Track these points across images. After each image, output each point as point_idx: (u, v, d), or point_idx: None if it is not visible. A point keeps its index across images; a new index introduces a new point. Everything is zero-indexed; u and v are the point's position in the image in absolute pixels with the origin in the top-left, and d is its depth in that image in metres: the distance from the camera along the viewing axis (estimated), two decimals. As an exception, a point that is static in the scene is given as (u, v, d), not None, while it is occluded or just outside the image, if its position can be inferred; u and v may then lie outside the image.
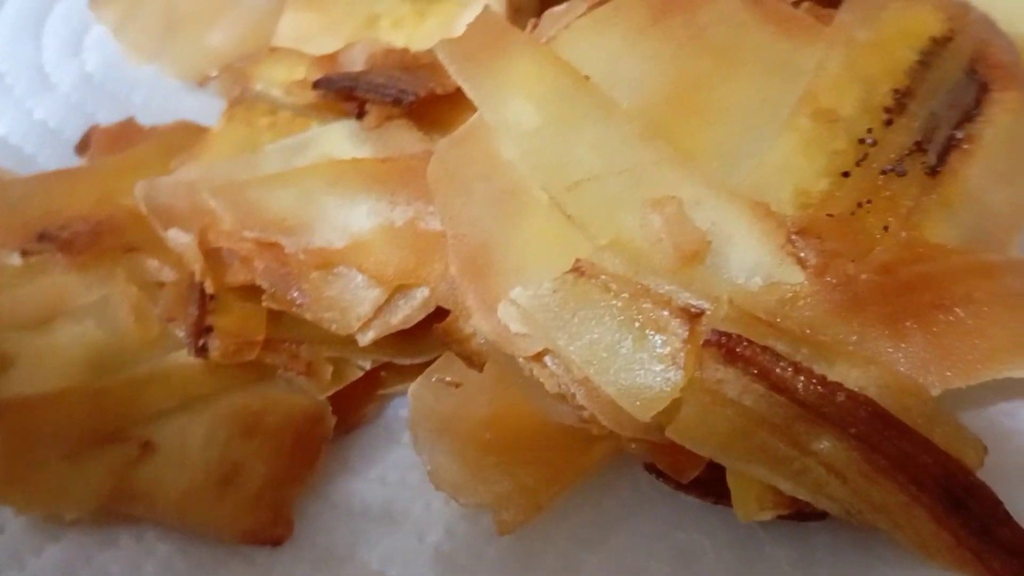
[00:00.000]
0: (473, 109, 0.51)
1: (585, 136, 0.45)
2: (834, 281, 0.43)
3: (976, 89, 0.49)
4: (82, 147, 0.61)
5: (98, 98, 0.64)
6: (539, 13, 0.53)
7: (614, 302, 0.42)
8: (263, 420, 0.49)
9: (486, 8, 0.48)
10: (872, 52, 0.48)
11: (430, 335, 0.49)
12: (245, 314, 0.49)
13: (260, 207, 0.49)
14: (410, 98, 0.50)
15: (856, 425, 0.40)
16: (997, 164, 0.46)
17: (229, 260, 0.49)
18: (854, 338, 0.42)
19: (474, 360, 0.47)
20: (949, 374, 0.41)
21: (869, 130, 0.46)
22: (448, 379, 0.51)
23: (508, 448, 0.48)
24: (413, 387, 0.50)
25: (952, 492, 0.39)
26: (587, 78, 0.46)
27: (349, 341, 0.50)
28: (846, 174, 0.45)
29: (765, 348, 0.41)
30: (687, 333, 0.42)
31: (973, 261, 0.44)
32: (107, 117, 0.63)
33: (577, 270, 0.43)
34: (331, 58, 0.55)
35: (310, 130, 0.53)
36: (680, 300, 0.42)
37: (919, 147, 0.46)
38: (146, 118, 0.62)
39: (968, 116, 0.48)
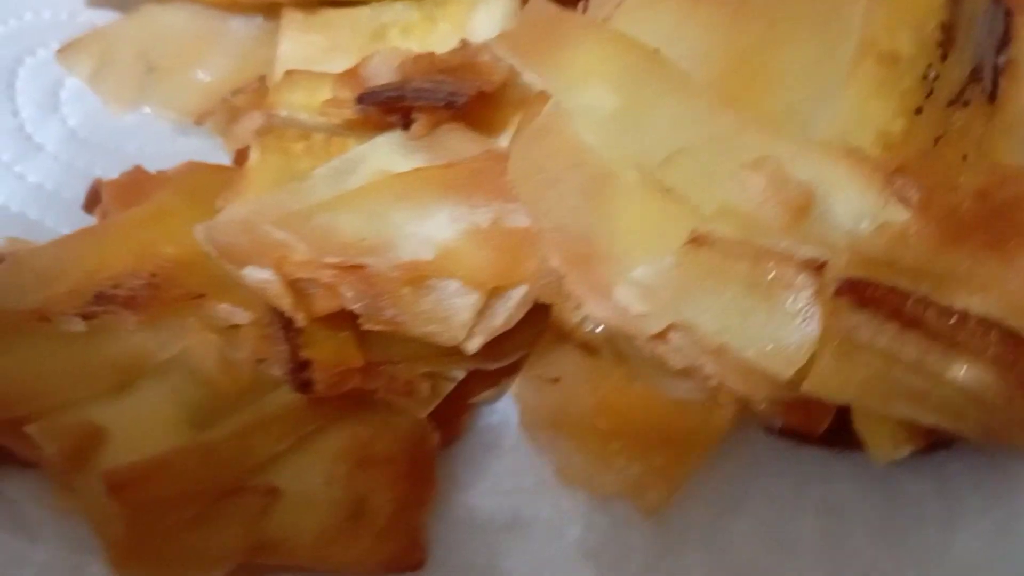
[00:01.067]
0: (518, 105, 0.51)
1: (666, 110, 0.45)
2: (938, 213, 0.44)
3: (1004, 16, 0.50)
4: (90, 204, 0.58)
5: (88, 153, 0.61)
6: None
7: (737, 267, 0.42)
8: (374, 448, 0.47)
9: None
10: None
11: (513, 338, 0.49)
12: (336, 343, 0.47)
13: (332, 232, 0.47)
14: (462, 100, 0.49)
15: (988, 348, 0.41)
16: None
17: (310, 290, 0.47)
18: (966, 265, 0.43)
19: (589, 349, 0.47)
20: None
21: (929, 65, 0.47)
22: (547, 376, 0.50)
23: (629, 432, 0.48)
24: (515, 389, 0.50)
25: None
26: (657, 51, 0.46)
27: (440, 354, 0.49)
28: (919, 111, 0.46)
29: (892, 288, 0.42)
30: (815, 285, 0.42)
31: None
32: (103, 170, 0.60)
33: (695, 241, 0.43)
34: (352, 74, 0.53)
35: (356, 149, 0.51)
36: (800, 255, 0.42)
37: (975, 77, 0.48)
38: (146, 165, 0.59)
39: (1004, 42, 0.50)
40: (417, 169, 0.49)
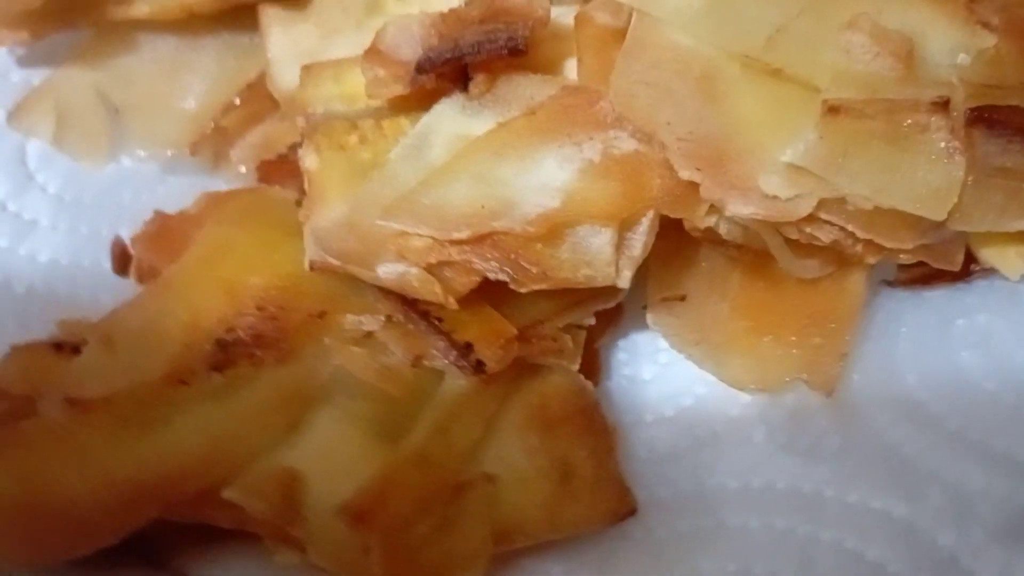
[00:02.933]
0: (562, 38, 0.50)
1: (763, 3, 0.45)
2: (1018, 27, 0.45)
3: None
4: (121, 265, 0.54)
5: (85, 215, 0.56)
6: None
7: (873, 126, 0.43)
8: (551, 411, 0.46)
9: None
10: None
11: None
12: (482, 318, 0.46)
13: (446, 207, 0.45)
14: (522, 41, 0.48)
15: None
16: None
17: (444, 273, 0.45)
18: (1059, 72, 0.45)
19: (731, 249, 0.47)
20: None
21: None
22: (674, 296, 0.50)
23: (774, 324, 0.49)
24: (651, 319, 0.49)
25: None
26: (723, -60, 0.45)
27: (570, 304, 0.48)
28: (965, -61, 0.48)
29: (1011, 107, 0.44)
30: (948, 124, 0.43)
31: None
32: (109, 227, 0.55)
33: (831, 111, 0.43)
34: (375, 51, 0.51)
35: (421, 122, 0.49)
36: (925, 97, 0.43)
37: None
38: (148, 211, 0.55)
39: None
40: (503, 124, 0.47)
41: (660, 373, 0.51)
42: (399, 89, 0.49)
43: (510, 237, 0.45)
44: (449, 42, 0.48)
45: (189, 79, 0.58)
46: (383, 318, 0.46)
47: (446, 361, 0.45)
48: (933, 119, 0.43)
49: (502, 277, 0.45)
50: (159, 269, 0.53)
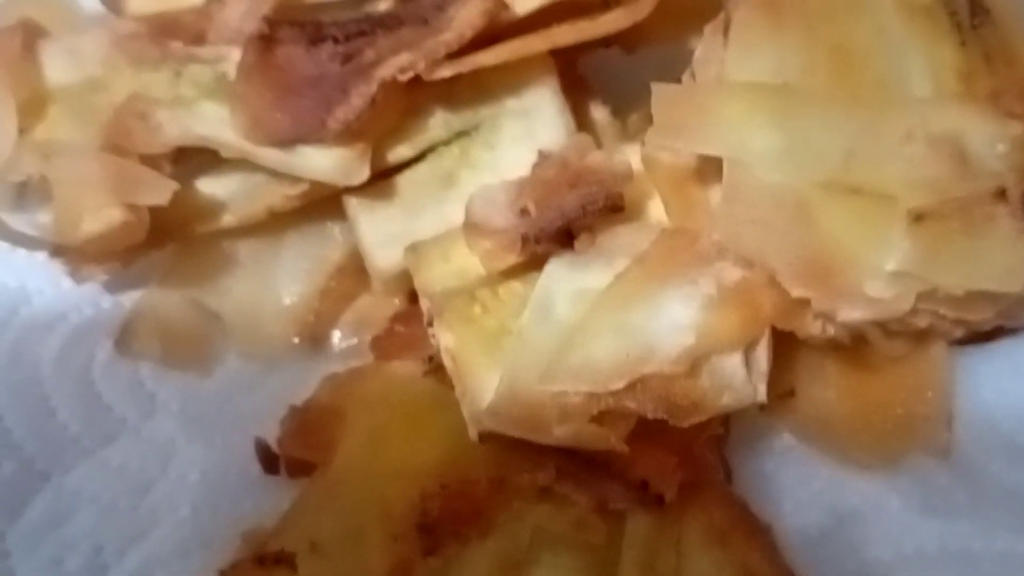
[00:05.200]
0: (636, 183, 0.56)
1: (818, 126, 0.51)
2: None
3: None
4: (271, 465, 0.58)
5: (216, 423, 0.60)
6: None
7: (952, 223, 0.50)
8: (718, 524, 0.52)
9: (654, 86, 0.52)
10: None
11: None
12: (644, 455, 0.51)
13: (593, 362, 0.50)
14: (619, 200, 0.53)
15: None
16: None
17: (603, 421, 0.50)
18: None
19: (836, 347, 0.53)
20: None
21: (945, 3, 0.56)
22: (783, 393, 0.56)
23: (880, 403, 0.55)
24: (771, 418, 0.55)
25: None
26: (784, 84, 0.52)
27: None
28: (963, 43, 0.55)
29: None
30: (1009, 208, 0.50)
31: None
32: (224, 435, 0.59)
33: (916, 219, 0.50)
34: (472, 226, 0.55)
35: (539, 285, 0.54)
36: (986, 190, 0.50)
37: (973, 3, 0.57)
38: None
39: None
40: (620, 275, 0.52)
41: (780, 463, 0.56)
42: (513, 259, 0.54)
43: (656, 378, 0.50)
44: (553, 211, 0.54)
45: (278, 274, 0.62)
46: (553, 471, 0.50)
47: (627, 501, 0.49)
48: (996, 208, 0.50)
49: (660, 415, 0.50)
50: (311, 462, 0.56)
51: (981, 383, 0.56)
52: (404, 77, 0.56)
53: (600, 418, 0.50)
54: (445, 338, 0.53)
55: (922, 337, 0.55)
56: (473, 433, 0.51)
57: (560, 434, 0.49)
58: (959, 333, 0.53)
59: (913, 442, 0.54)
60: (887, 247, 0.50)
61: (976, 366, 0.57)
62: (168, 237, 0.61)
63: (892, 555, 0.52)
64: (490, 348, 0.53)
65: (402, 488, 0.50)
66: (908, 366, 0.55)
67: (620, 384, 0.49)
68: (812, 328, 0.52)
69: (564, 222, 0.53)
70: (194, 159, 0.60)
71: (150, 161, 0.58)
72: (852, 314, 0.50)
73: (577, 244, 0.54)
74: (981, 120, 0.52)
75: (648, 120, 0.56)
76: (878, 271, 0.50)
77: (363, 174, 0.57)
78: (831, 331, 0.53)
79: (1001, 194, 0.50)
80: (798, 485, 0.55)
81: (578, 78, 0.65)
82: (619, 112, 0.64)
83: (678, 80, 0.58)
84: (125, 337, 0.61)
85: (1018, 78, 0.55)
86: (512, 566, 0.47)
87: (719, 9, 0.58)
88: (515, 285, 0.55)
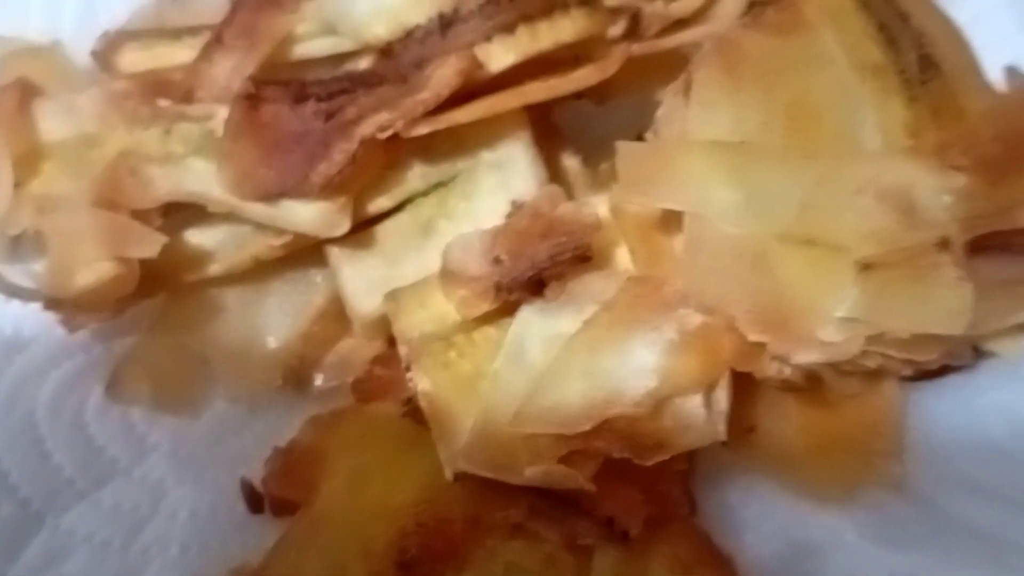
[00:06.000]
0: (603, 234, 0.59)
1: (775, 181, 0.54)
2: (980, 163, 0.56)
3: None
4: (256, 505, 0.60)
5: (205, 465, 0.62)
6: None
7: (898, 271, 0.53)
8: (683, 557, 0.55)
9: (619, 144, 0.55)
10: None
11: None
12: (610, 492, 0.54)
13: (565, 406, 0.53)
14: (588, 251, 0.56)
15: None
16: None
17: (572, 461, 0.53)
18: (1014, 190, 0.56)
19: (791, 388, 0.56)
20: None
21: (895, 61, 0.60)
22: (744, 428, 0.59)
23: (836, 438, 0.58)
24: (732, 454, 0.58)
25: None
26: (743, 142, 0.55)
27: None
28: (913, 98, 0.59)
29: (996, 233, 0.54)
30: (952, 256, 0.53)
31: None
32: (213, 475, 0.62)
33: (865, 268, 0.53)
34: (449, 274, 0.58)
35: (511, 331, 0.56)
36: (931, 240, 0.54)
37: (923, 59, 0.61)
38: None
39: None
40: (588, 322, 0.55)
41: (743, 497, 0.58)
42: (487, 306, 0.57)
43: (621, 419, 0.53)
44: (525, 260, 0.56)
45: (264, 319, 0.64)
46: (525, 509, 0.53)
47: (594, 537, 0.52)
48: (940, 256, 0.53)
49: (626, 455, 0.53)
50: (294, 501, 0.59)
51: (933, 418, 0.59)
52: (383, 135, 0.59)
53: (568, 458, 0.53)
54: (422, 382, 0.56)
55: (874, 376, 0.58)
56: (449, 473, 0.54)
57: (530, 475, 0.51)
58: (908, 372, 0.56)
59: (868, 475, 0.57)
60: (838, 295, 0.53)
61: (928, 401, 0.59)
62: (157, 287, 0.63)
63: (849, 585, 0.54)
64: (465, 392, 0.56)
65: (382, 527, 0.53)
66: (862, 402, 0.58)
67: (588, 426, 0.52)
68: (769, 370, 0.55)
69: (535, 271, 0.56)
70: (182, 212, 0.63)
71: (141, 215, 0.61)
72: (806, 357, 0.53)
73: (548, 292, 0.57)
74: (927, 173, 0.55)
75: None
76: (829, 317, 0.52)
77: (344, 226, 0.60)
78: (787, 372, 0.55)
79: (945, 243, 0.53)
80: (760, 518, 0.58)
81: (551, 128, 0.68)
82: (590, 161, 0.66)
83: (646, 128, 0.61)
84: (115, 383, 0.63)
85: (964, 132, 0.58)
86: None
87: (684, 63, 0.61)
88: (489, 331, 0.58)
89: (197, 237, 0.63)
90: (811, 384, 0.57)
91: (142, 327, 0.64)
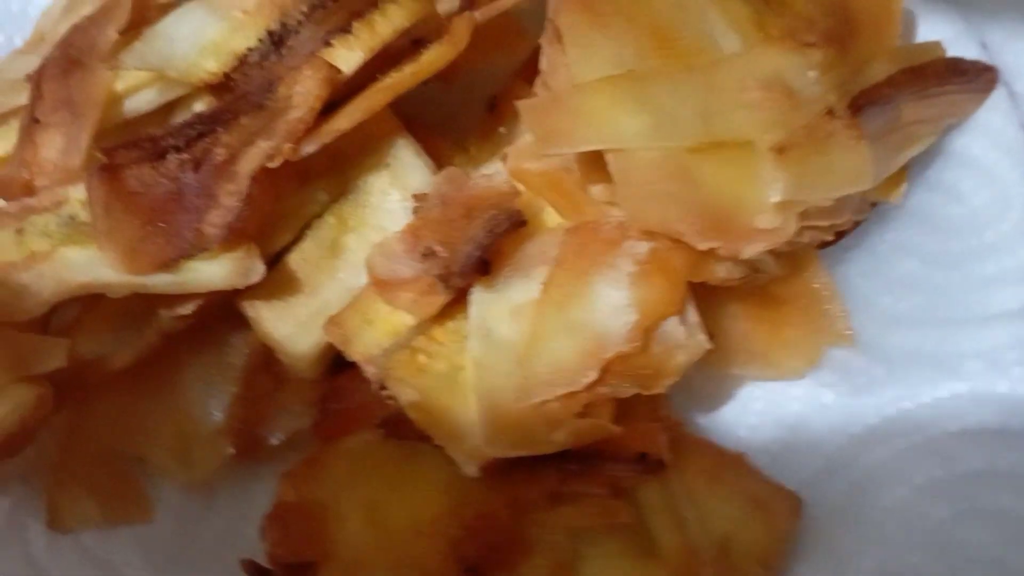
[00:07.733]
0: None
1: (673, 100, 0.56)
2: (824, 37, 0.61)
3: None
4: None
5: (192, 564, 0.57)
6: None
7: (807, 146, 0.57)
8: (709, 466, 0.57)
9: (520, 103, 0.56)
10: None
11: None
12: (629, 429, 0.55)
13: (562, 365, 0.54)
14: (520, 216, 0.57)
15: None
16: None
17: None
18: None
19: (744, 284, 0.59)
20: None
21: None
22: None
23: (786, 316, 0.63)
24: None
25: None
26: (631, 71, 0.57)
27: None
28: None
29: (866, 89, 0.60)
30: (842, 121, 0.58)
31: None
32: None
33: (779, 151, 0.56)
34: (381, 283, 0.57)
35: (470, 316, 0.56)
36: (818, 112, 0.58)
37: None
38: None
39: None
40: (548, 284, 0.55)
41: (721, 400, 0.62)
42: (441, 300, 0.56)
43: (617, 361, 0.54)
44: (468, 243, 0.56)
45: (190, 398, 0.60)
46: (555, 475, 0.53)
47: (633, 476, 0.53)
48: (832, 124, 0.58)
49: (634, 391, 0.54)
50: (307, 562, 0.55)
51: (848, 272, 0.64)
52: (274, 164, 0.56)
53: (584, 413, 0.53)
54: (405, 394, 0.54)
55: (796, 253, 0.62)
56: (472, 469, 0.52)
57: (560, 438, 0.51)
58: (830, 237, 0.61)
59: (824, 340, 0.61)
60: (765, 184, 0.56)
61: (840, 257, 0.64)
62: (62, 398, 0.57)
63: (845, 440, 0.58)
64: (450, 389, 0.55)
65: (425, 545, 0.51)
66: (795, 280, 0.62)
67: (593, 375, 0.53)
68: (720, 272, 0.58)
69: (481, 251, 0.55)
70: (67, 309, 0.57)
71: (30, 326, 0.55)
72: (754, 248, 0.56)
73: (493, 268, 0.57)
74: (788, 56, 0.59)
75: (484, 140, 0.59)
76: (764, 206, 0.56)
77: (259, 270, 0.57)
78: (736, 273, 0.58)
79: (832, 112, 0.58)
80: (743, 412, 0.61)
81: (405, 118, 0.67)
82: (459, 142, 0.66)
83: (486, 100, 0.62)
84: (56, 514, 0.57)
85: (798, 13, 0.62)
86: (565, 571, 0.50)
87: (519, 31, 0.62)
88: (448, 324, 0.57)
89: (94, 330, 0.57)
90: (750, 285, 0.60)
91: (57, 447, 0.58)
